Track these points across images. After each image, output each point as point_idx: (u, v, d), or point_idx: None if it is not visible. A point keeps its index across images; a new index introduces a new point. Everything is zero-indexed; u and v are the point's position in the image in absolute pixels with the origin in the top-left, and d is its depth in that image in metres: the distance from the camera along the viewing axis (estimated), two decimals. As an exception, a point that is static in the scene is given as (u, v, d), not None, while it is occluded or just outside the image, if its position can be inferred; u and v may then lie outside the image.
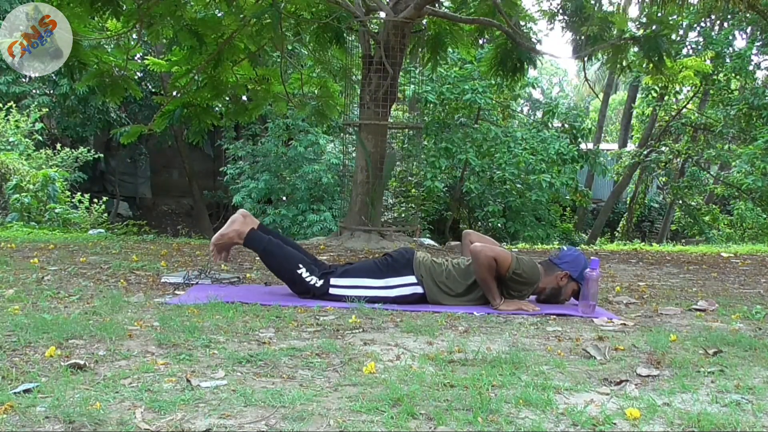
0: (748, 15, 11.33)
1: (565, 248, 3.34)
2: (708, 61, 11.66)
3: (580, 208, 15.17)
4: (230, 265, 3.91)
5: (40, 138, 10.14)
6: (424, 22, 6.26)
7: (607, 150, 16.20)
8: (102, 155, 11.74)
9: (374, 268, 3.09)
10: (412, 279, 3.05)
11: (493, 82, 10.57)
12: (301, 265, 3.05)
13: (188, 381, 1.79)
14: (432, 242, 6.71)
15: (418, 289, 3.04)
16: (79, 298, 2.89)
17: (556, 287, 3.10)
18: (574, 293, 3.13)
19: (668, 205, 15.92)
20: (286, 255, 3.10)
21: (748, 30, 13.82)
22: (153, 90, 13.69)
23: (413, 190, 10.48)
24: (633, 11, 12.62)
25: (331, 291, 3.04)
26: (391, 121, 6.98)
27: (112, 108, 12.75)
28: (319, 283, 3.04)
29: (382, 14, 6.06)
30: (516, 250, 6.22)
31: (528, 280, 3.04)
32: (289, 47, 8.54)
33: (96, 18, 5.70)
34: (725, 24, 13.78)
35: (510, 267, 2.96)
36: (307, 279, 3.03)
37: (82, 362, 1.89)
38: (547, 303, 3.14)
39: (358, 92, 6.19)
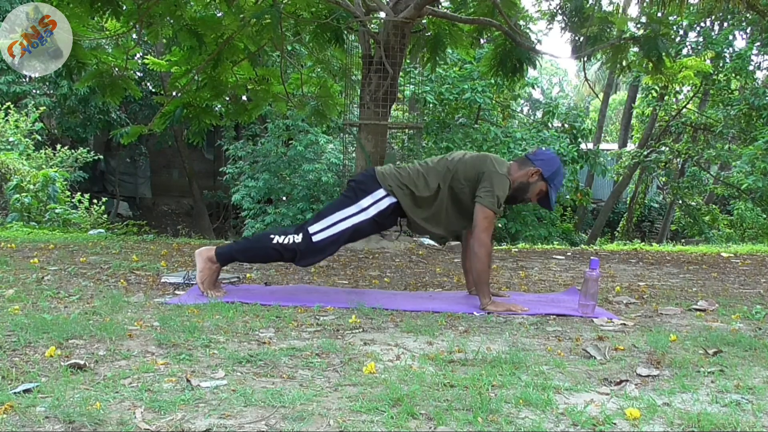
0: (748, 15, 11.33)
1: (543, 148, 3.29)
2: (708, 61, 11.65)
3: (580, 208, 15.17)
4: (230, 266, 3.90)
5: (40, 138, 10.14)
6: (424, 21, 6.25)
7: (607, 150, 16.20)
8: (102, 156, 11.75)
9: (343, 199, 3.10)
10: (381, 192, 3.04)
11: (493, 82, 10.58)
12: (272, 235, 3.05)
13: (188, 381, 1.79)
14: (432, 242, 6.70)
15: (392, 199, 3.03)
16: (79, 298, 2.89)
17: (525, 183, 3.08)
18: (540, 195, 3.10)
19: (668, 205, 15.92)
20: (256, 238, 3.16)
21: (748, 30, 13.81)
22: (153, 90, 13.71)
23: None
24: (633, 11, 12.60)
25: (315, 239, 2.98)
26: (391, 121, 6.97)
27: (112, 108, 12.76)
28: (299, 238, 2.99)
29: (382, 14, 6.05)
30: (516, 250, 6.22)
31: (505, 195, 3.02)
32: (289, 47, 8.54)
33: (95, 18, 5.70)
34: (725, 24, 13.77)
35: (499, 212, 3.01)
36: (285, 242, 3.00)
37: (82, 362, 1.89)
38: (512, 201, 3.12)
39: (358, 92, 6.19)
